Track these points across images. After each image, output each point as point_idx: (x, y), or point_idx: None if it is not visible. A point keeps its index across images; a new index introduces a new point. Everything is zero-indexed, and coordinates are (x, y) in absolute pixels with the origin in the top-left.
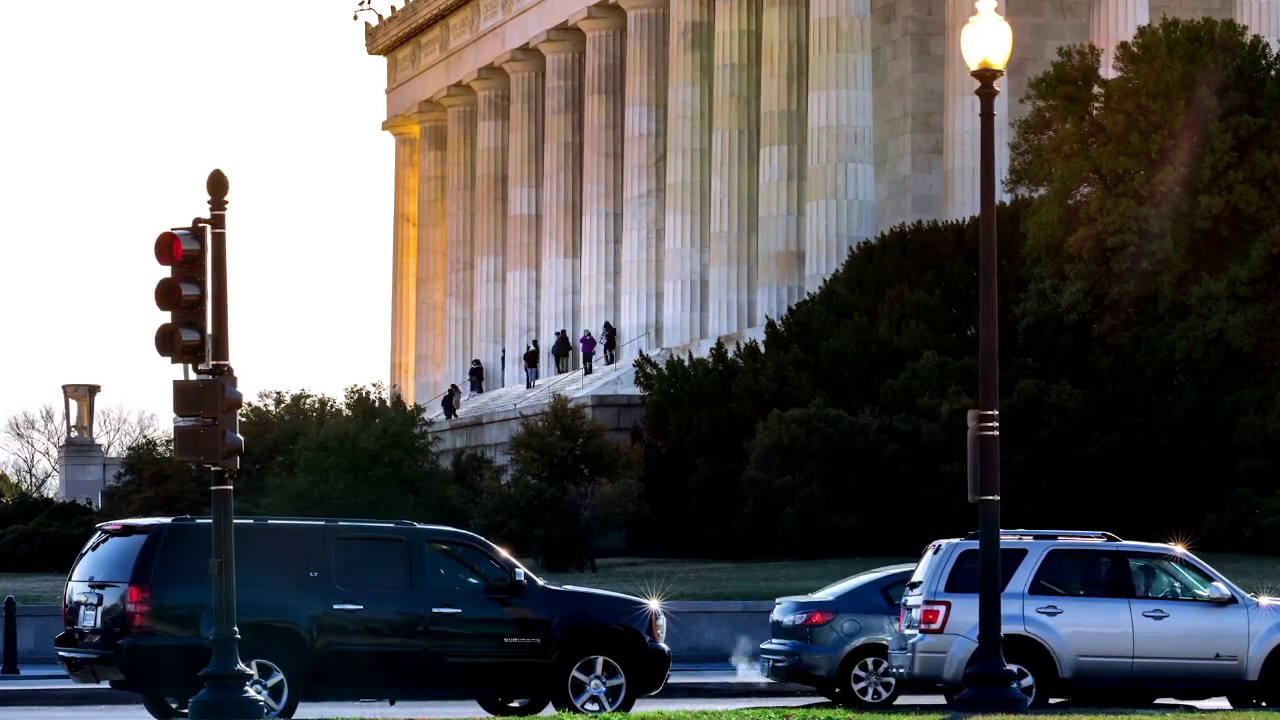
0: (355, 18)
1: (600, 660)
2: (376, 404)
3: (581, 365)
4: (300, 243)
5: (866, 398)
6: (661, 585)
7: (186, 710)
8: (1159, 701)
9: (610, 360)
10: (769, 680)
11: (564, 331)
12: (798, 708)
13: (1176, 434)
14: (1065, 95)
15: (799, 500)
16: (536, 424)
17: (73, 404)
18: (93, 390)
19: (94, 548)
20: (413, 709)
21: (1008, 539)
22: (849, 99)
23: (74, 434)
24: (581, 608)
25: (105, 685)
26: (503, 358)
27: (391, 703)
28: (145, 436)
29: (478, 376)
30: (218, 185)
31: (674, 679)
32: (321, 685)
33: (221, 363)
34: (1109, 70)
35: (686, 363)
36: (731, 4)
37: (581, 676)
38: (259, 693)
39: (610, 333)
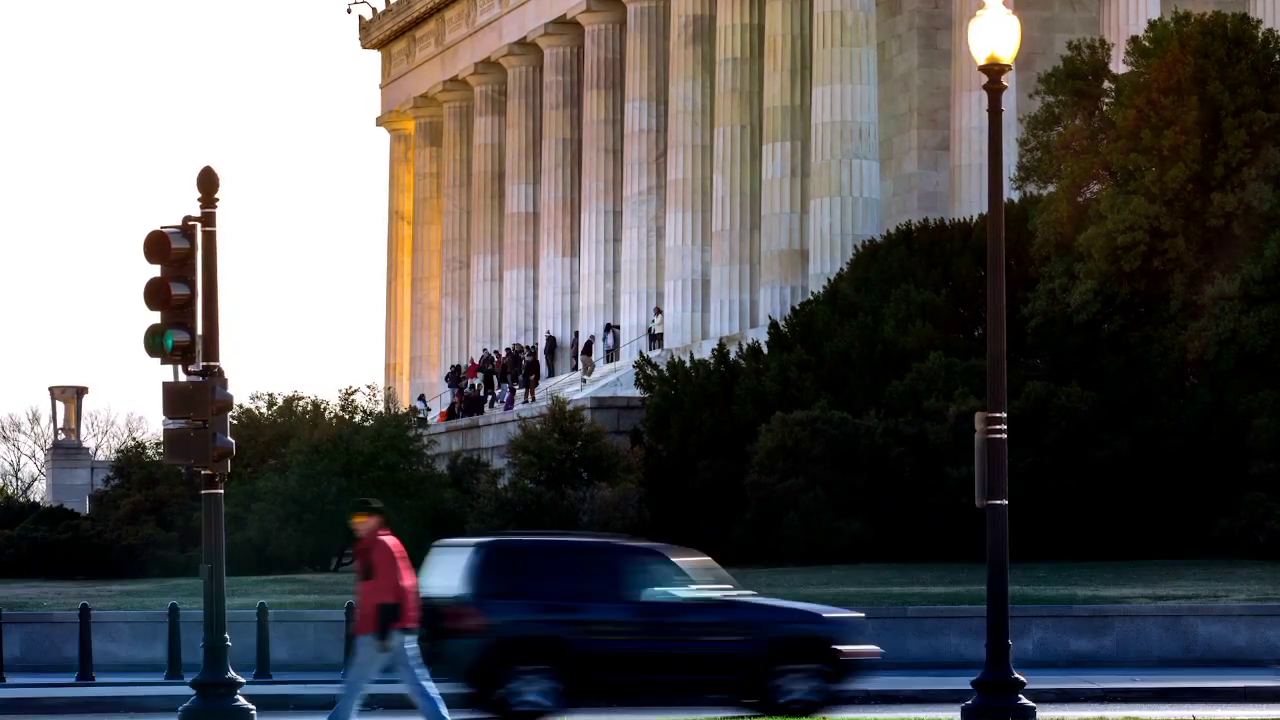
0: (349, 11)
1: None
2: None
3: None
4: (293, 241)
5: (871, 399)
6: None
7: None
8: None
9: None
10: None
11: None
12: None
13: (1188, 436)
14: (1075, 90)
15: (802, 504)
16: (534, 427)
17: (60, 406)
18: (80, 392)
19: None
20: None
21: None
22: (853, 94)
23: (61, 437)
24: None
25: (99, 693)
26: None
27: None
28: (134, 439)
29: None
30: (208, 182)
31: None
32: None
33: (212, 364)
34: (1119, 65)
35: (688, 364)
36: None
37: None
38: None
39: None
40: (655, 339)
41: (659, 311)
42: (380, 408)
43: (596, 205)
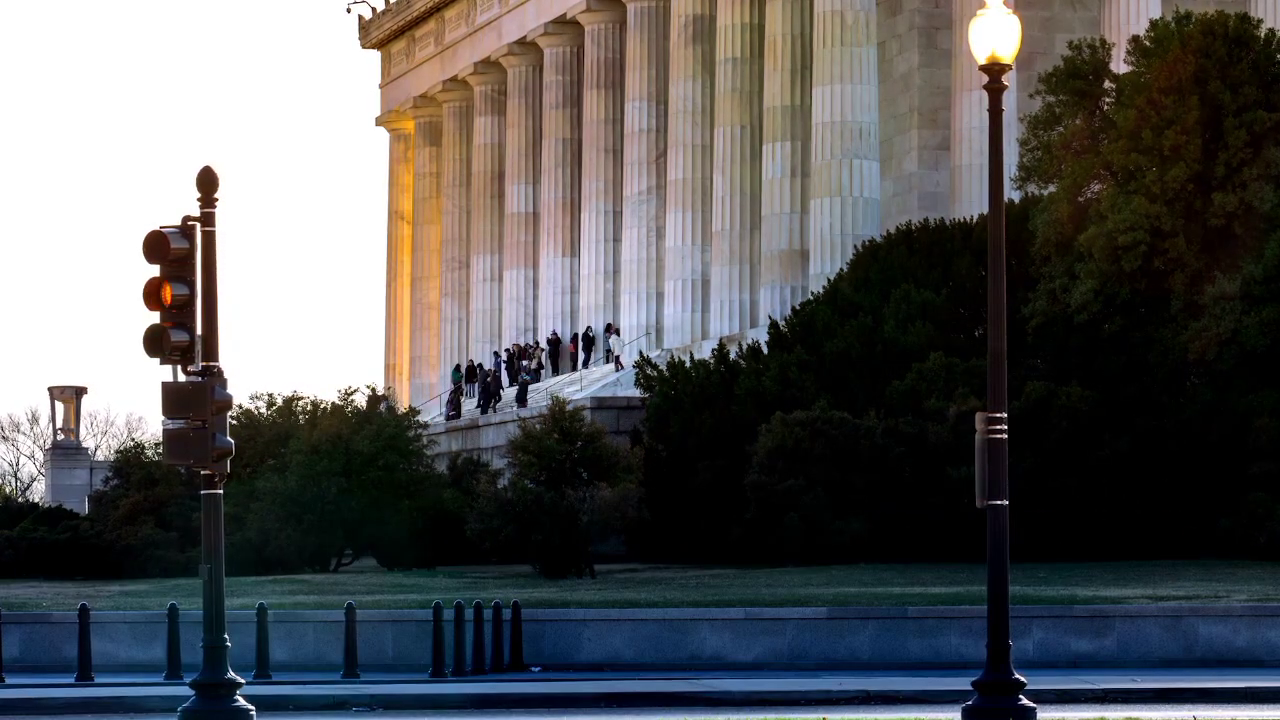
0: (349, 10)
1: None
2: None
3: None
4: (292, 241)
5: (872, 400)
6: (662, 591)
7: None
8: None
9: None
10: None
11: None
12: None
13: (1189, 437)
14: (1075, 90)
15: (803, 504)
16: (534, 427)
17: (59, 406)
18: (79, 392)
19: None
20: None
21: None
22: (854, 94)
23: (60, 437)
24: None
25: (98, 693)
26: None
27: None
28: (133, 439)
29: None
30: (208, 183)
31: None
32: None
33: (211, 364)
34: (1120, 64)
35: (688, 364)
36: None
37: None
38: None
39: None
40: (616, 360)
41: (616, 332)
42: (379, 408)
43: (596, 205)
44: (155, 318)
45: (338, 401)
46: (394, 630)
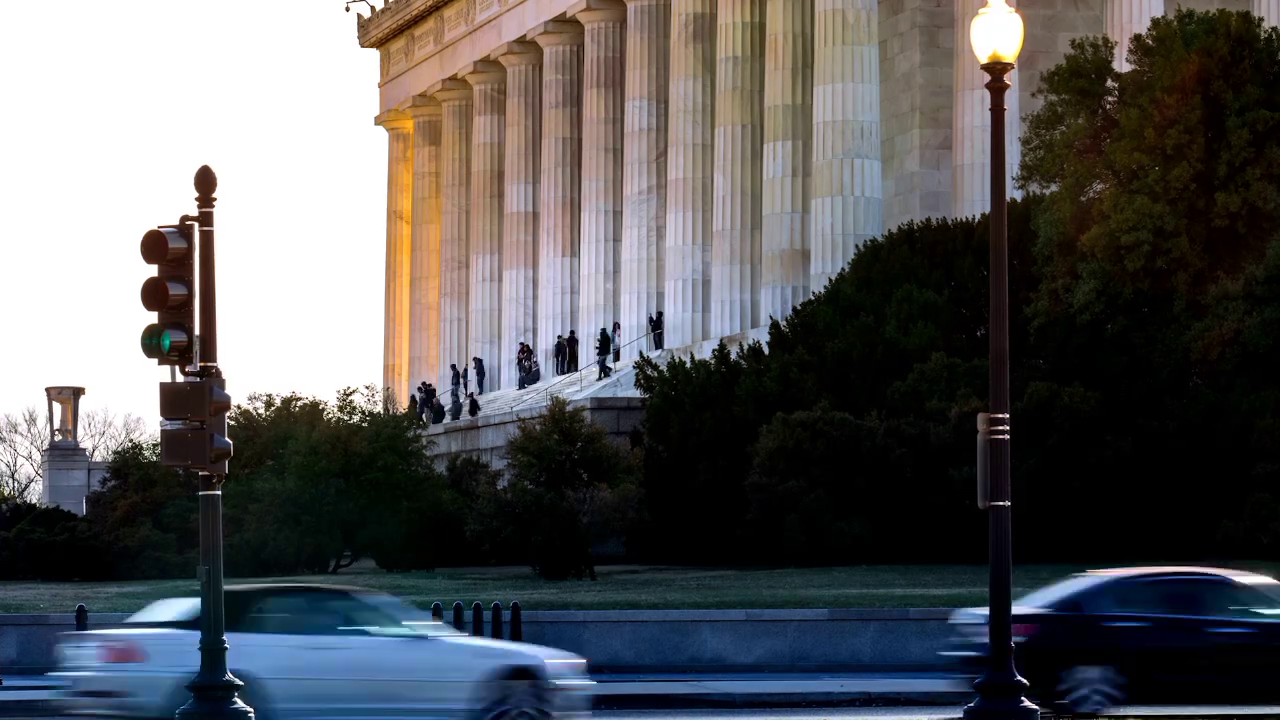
0: (347, 9)
1: None
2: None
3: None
4: (291, 240)
5: (873, 400)
6: (662, 593)
7: None
8: None
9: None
10: None
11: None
12: None
13: (1192, 437)
14: (1078, 89)
15: (804, 505)
16: (534, 427)
17: (56, 407)
18: (77, 393)
19: None
20: None
21: None
22: (855, 93)
23: (57, 438)
24: None
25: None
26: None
27: None
28: (131, 440)
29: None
30: (206, 182)
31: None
32: None
33: (209, 364)
34: (1123, 63)
35: (688, 364)
36: None
37: None
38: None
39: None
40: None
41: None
42: (379, 408)
43: (596, 205)
44: (153, 318)
45: (338, 403)
46: None
